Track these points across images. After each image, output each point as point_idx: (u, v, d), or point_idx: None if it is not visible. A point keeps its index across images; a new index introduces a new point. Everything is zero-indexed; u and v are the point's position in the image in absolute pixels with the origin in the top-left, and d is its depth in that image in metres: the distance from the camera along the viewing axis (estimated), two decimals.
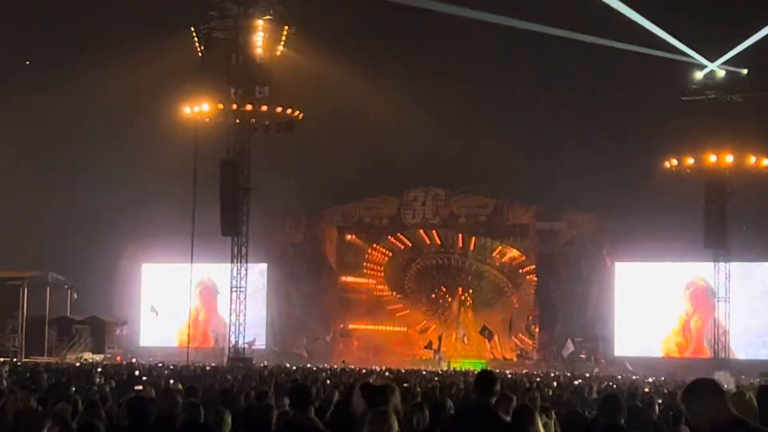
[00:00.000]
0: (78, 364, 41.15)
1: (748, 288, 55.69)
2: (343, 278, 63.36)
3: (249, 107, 50.62)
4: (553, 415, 11.62)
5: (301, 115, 51.84)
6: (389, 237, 62.67)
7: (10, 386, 17.94)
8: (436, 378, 31.39)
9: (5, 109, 57.79)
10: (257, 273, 58.68)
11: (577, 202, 58.15)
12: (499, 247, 61.03)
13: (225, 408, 10.04)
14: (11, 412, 13.14)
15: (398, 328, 61.35)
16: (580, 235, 59.64)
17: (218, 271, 58.51)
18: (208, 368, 36.68)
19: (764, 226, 55.62)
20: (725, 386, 6.88)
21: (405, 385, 17.05)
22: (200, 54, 50.30)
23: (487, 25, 51.29)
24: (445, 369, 48.20)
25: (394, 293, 62.22)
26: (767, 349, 55.16)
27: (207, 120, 51.38)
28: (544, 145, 58.14)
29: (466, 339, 59.62)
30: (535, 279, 60.05)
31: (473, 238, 61.15)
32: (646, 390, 25.62)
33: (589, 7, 46.89)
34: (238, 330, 51.55)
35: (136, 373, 28.34)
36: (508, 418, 9.13)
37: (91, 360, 50.40)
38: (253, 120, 51.19)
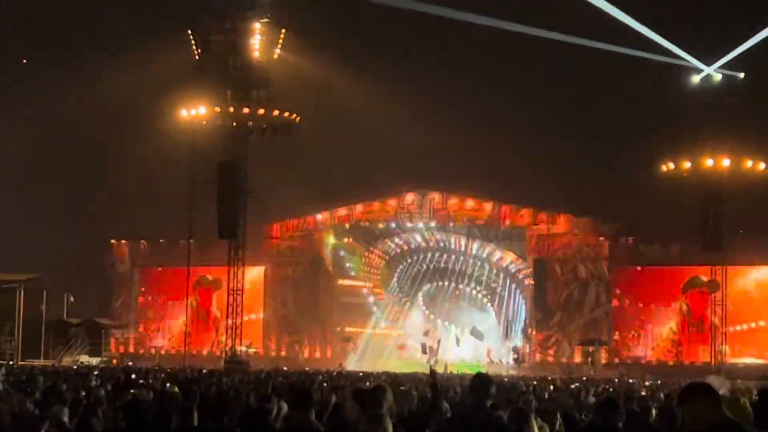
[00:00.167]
0: (75, 367, 41.11)
1: (745, 291, 55.70)
2: (340, 281, 63.34)
3: (246, 110, 50.58)
4: (558, 418, 11.62)
5: (298, 118, 51.82)
6: (386, 240, 62.65)
7: (6, 389, 17.93)
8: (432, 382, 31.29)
9: (1, 110, 57.79)
10: (254, 276, 58.66)
11: (575, 205, 58.22)
12: (496, 251, 61.00)
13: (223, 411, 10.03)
14: (8, 415, 13.13)
15: (395, 331, 61.33)
16: (577, 239, 59.67)
17: (215, 274, 58.52)
18: (204, 371, 36.65)
19: (761, 230, 55.70)
20: (720, 390, 6.89)
21: (402, 388, 17.06)
22: (197, 57, 50.25)
23: (485, 29, 51.32)
24: (441, 372, 48.21)
25: (391, 296, 62.19)
26: (764, 352, 55.21)
27: (204, 123, 51.35)
28: (542, 149, 58.19)
29: (460, 344, 59.61)
30: (532, 282, 60.04)
31: (470, 241, 61.13)
32: (643, 393, 25.63)
33: (587, 12, 46.90)
34: (235, 333, 51.50)
35: (133, 376, 28.29)
36: (504, 422, 9.13)
37: (87, 363, 50.37)
38: (250, 123, 51.15)
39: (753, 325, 55.52)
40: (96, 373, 30.26)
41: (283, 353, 61.01)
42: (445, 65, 61.16)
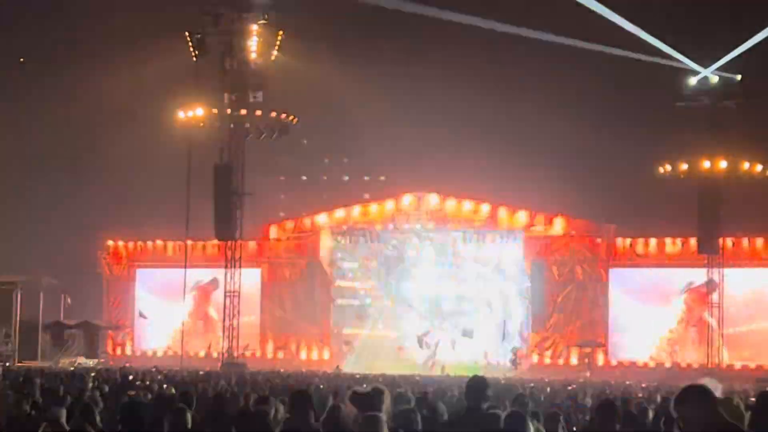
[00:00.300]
0: (72, 368, 41.10)
1: (742, 294, 55.72)
2: (337, 283, 63.30)
3: (243, 112, 50.59)
4: (561, 421, 11.63)
5: (295, 120, 51.82)
6: (383, 242, 62.60)
7: (4, 391, 17.92)
8: (429, 383, 31.38)
9: None
10: (251, 278, 58.63)
11: (572, 207, 58.22)
12: (493, 253, 60.94)
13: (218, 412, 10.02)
14: (4, 417, 13.13)
15: (392, 333, 61.28)
16: (574, 240, 59.67)
17: (212, 276, 58.51)
18: (201, 373, 36.66)
19: (758, 232, 55.76)
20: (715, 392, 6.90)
21: (399, 390, 17.04)
22: (194, 59, 50.24)
23: (482, 30, 51.37)
24: (439, 374, 48.23)
25: (388, 298, 62.12)
26: (761, 355, 55.23)
27: (201, 125, 51.36)
28: (538, 150, 58.21)
29: (455, 347, 59.52)
30: (529, 284, 60.00)
31: (467, 243, 61.08)
32: (640, 396, 25.67)
33: (583, 14, 46.95)
34: (232, 335, 51.47)
35: (130, 377, 28.31)
36: (501, 424, 9.13)
37: (84, 364, 50.35)
38: (247, 125, 51.17)
39: (751, 327, 55.49)
40: (93, 374, 30.25)
41: (280, 355, 60.98)
42: (442, 67, 61.19)
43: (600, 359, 57.92)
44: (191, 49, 50.03)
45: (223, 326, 52.08)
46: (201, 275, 59.98)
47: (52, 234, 59.65)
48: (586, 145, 56.42)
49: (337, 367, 52.51)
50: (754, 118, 51.37)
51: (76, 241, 60.31)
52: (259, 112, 50.91)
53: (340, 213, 63.06)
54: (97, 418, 11.77)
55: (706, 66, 51.61)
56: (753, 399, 13.99)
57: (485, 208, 60.96)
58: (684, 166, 52.50)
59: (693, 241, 54.59)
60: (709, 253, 53.02)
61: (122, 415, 9.73)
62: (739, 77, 51.48)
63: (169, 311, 60.18)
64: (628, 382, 41.22)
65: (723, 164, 51.39)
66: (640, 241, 58.57)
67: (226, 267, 51.45)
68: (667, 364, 56.24)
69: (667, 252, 58.03)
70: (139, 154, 58.72)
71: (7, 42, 61.09)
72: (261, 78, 51.62)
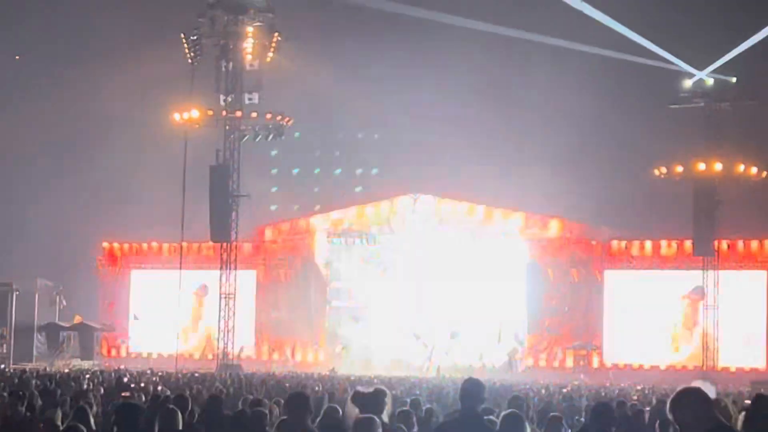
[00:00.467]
0: (67, 370, 41.08)
1: (737, 296, 55.73)
2: (333, 284, 63.32)
3: (239, 114, 50.58)
4: (564, 424, 11.62)
5: (290, 122, 51.82)
6: (379, 243, 62.63)
7: None
8: (425, 385, 31.41)
9: None
10: (246, 279, 58.62)
11: (567, 209, 58.24)
12: (488, 255, 60.94)
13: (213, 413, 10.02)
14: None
15: (387, 335, 61.26)
16: (569, 243, 59.71)
17: (207, 278, 58.48)
18: (197, 374, 36.65)
19: (753, 235, 55.82)
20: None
21: (393, 392, 17.07)
22: (190, 61, 50.22)
23: (477, 33, 51.40)
24: (434, 376, 48.23)
25: (384, 299, 62.10)
26: (756, 357, 55.29)
27: (197, 126, 51.31)
28: (534, 152, 58.19)
29: (448, 353, 59.53)
30: (525, 286, 60.01)
31: (462, 245, 61.09)
32: (635, 398, 25.70)
33: (578, 17, 47.02)
34: (227, 337, 51.44)
35: (125, 379, 28.30)
36: (496, 427, 9.14)
37: (79, 366, 50.29)
38: (243, 126, 51.17)
39: (746, 329, 55.50)
40: (88, 376, 30.25)
41: (275, 356, 60.95)
42: (437, 69, 61.19)
43: (595, 361, 57.96)
44: (187, 50, 50.00)
45: (219, 328, 52.02)
46: (196, 277, 59.89)
47: (47, 235, 59.57)
48: (582, 147, 56.45)
49: (332, 368, 52.46)
50: (749, 120, 51.40)
51: (72, 242, 60.25)
52: (254, 114, 50.91)
53: (335, 214, 63.09)
54: (92, 420, 11.77)
55: (701, 68, 51.65)
56: (748, 401, 14.01)
57: (481, 210, 61.02)
58: (679, 168, 52.49)
59: (688, 244, 54.60)
60: (704, 255, 53.03)
61: (117, 417, 9.71)
62: (734, 79, 51.52)
63: (164, 313, 60.10)
64: (623, 385, 41.29)
65: (718, 166, 51.39)
66: (636, 243, 58.63)
67: (221, 269, 51.42)
68: (662, 367, 56.26)
69: (662, 254, 58.09)
70: (134, 156, 58.69)
71: (2, 41, 61.04)
72: (257, 80, 51.63)
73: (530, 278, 59.73)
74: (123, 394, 18.50)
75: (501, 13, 51.17)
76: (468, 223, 61.43)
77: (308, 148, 67.05)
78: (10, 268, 57.37)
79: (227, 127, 50.93)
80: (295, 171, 68.19)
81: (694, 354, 55.74)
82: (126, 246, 65.09)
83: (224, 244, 51.05)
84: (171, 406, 10.57)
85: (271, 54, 51.19)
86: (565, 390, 30.43)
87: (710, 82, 51.77)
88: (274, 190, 65.33)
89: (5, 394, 15.55)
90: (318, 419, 10.43)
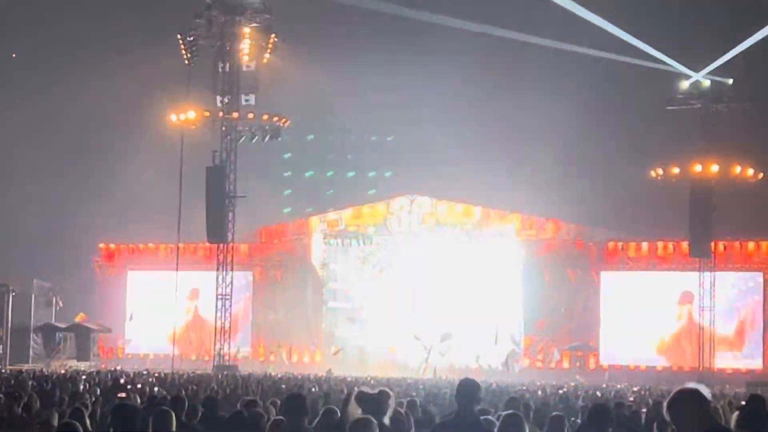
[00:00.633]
0: (63, 371, 41.01)
1: (733, 297, 55.80)
2: (329, 285, 63.31)
3: (235, 115, 50.59)
4: (566, 423, 11.61)
5: (287, 123, 51.81)
6: (375, 244, 62.63)
7: None
8: (421, 386, 31.39)
9: None
10: (243, 280, 58.61)
11: (563, 210, 58.27)
12: (485, 256, 60.96)
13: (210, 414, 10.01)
14: None
15: (384, 336, 61.24)
16: (565, 244, 59.73)
17: (204, 278, 58.44)
18: (193, 375, 36.63)
19: (749, 236, 55.84)
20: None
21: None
22: (187, 62, 50.21)
23: (474, 34, 51.42)
24: (431, 377, 48.20)
25: (380, 300, 62.10)
26: (752, 359, 55.33)
27: (193, 127, 51.31)
28: (531, 154, 58.22)
29: (444, 355, 59.52)
30: (521, 287, 60.03)
31: (459, 247, 61.11)
32: (631, 399, 25.70)
33: (576, 19, 47.05)
34: (224, 338, 51.41)
35: (121, 380, 28.26)
36: (494, 427, 9.14)
37: (75, 367, 50.22)
38: (240, 127, 51.17)
39: (741, 330, 55.55)
40: (84, 377, 30.21)
41: (271, 357, 60.93)
42: (435, 70, 61.16)
43: (591, 362, 57.98)
44: (184, 51, 49.99)
45: (215, 329, 51.99)
46: (193, 278, 59.82)
47: (44, 236, 59.53)
48: (579, 149, 56.47)
49: (329, 370, 52.42)
50: (745, 121, 51.42)
51: (68, 243, 60.20)
52: (251, 115, 50.92)
53: (332, 215, 63.09)
54: (88, 421, 11.76)
55: (697, 70, 51.70)
56: (744, 402, 14.02)
57: (477, 211, 61.06)
58: (676, 170, 52.54)
59: (685, 245, 54.63)
60: (700, 256, 53.06)
61: (113, 418, 9.70)
62: (730, 81, 51.59)
63: (160, 314, 60.02)
64: (619, 386, 41.28)
65: (715, 168, 51.43)
66: (632, 244, 58.67)
67: (218, 270, 51.41)
68: (659, 368, 56.28)
69: (658, 255, 58.12)
70: (131, 157, 58.63)
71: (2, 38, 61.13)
72: (253, 81, 51.64)
73: (527, 279, 59.74)
74: (119, 395, 18.46)
75: (498, 16, 51.21)
76: (464, 225, 61.47)
77: (306, 150, 67.14)
78: (7, 269, 57.30)
79: (224, 128, 50.93)
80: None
81: (690, 355, 55.74)
82: (123, 246, 65.09)
83: (221, 245, 51.04)
84: (164, 407, 10.56)
85: (267, 55, 51.20)
86: (561, 391, 30.42)
87: (707, 83, 51.81)
88: (286, 192, 65.38)
89: (1, 395, 15.52)
90: (315, 420, 10.43)
